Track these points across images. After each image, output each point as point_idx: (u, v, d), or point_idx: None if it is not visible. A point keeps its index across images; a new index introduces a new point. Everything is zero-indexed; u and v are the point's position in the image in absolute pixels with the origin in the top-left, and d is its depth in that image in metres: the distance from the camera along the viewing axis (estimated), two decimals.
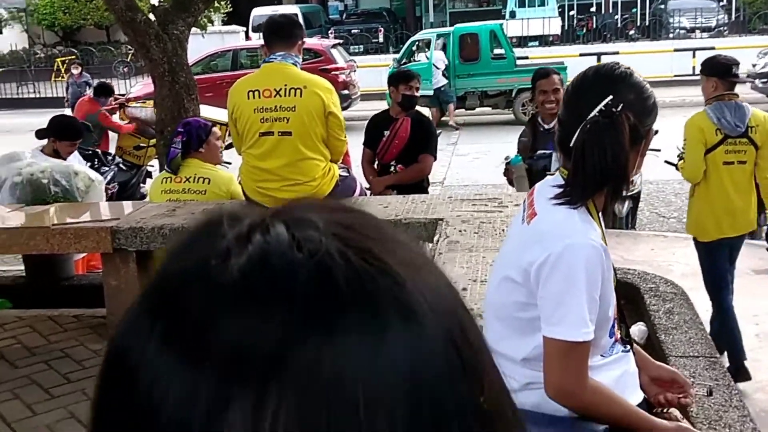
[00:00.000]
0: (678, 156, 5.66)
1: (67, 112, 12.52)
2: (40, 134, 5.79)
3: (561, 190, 1.83)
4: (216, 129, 5.09)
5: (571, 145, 1.82)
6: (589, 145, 1.79)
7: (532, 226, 1.85)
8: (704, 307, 5.47)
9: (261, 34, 4.99)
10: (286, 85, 4.31)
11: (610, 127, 1.80)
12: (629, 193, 7.79)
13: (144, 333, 0.44)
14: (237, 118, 4.46)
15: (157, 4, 7.64)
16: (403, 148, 6.00)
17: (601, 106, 1.80)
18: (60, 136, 5.67)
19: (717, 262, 5.00)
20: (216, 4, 8.22)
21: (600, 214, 1.86)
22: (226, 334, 0.42)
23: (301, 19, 25.86)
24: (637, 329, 4.13)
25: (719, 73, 4.83)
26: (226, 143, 6.95)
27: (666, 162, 6.75)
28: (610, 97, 1.81)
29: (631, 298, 4.48)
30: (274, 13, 23.76)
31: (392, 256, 0.46)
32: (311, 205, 0.49)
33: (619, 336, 1.95)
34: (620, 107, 1.81)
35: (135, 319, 0.46)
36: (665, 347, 3.71)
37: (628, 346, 1.98)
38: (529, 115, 9.48)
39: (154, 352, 0.43)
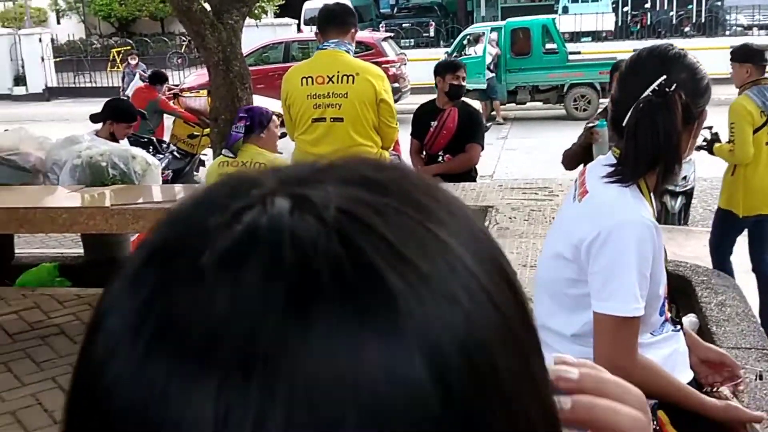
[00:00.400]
0: (711, 140, 5.88)
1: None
2: (95, 118, 5.87)
3: (613, 168, 1.85)
4: (275, 117, 5.16)
5: (624, 124, 1.83)
6: (642, 125, 1.81)
7: (583, 203, 1.87)
8: (755, 304, 5.41)
9: (312, 26, 5.04)
10: (338, 72, 4.36)
11: (663, 107, 1.81)
12: (683, 189, 7.74)
13: (122, 307, 0.40)
14: (290, 105, 4.53)
15: None
16: (450, 138, 6.01)
17: (654, 85, 1.81)
18: (117, 118, 5.75)
19: (732, 236, 5.51)
20: None
21: (652, 193, 1.88)
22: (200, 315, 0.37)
23: None
24: (688, 321, 4.10)
25: (753, 59, 5.24)
26: (280, 132, 7.10)
27: (698, 148, 6.85)
28: (664, 77, 1.82)
29: (682, 290, 4.45)
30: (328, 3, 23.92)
31: (411, 249, 0.39)
32: (336, 171, 0.43)
33: (669, 316, 1.96)
34: (673, 87, 1.82)
35: (117, 290, 0.41)
36: (716, 338, 3.68)
37: (679, 326, 1.99)
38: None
39: (128, 330, 0.39)
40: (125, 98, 9.34)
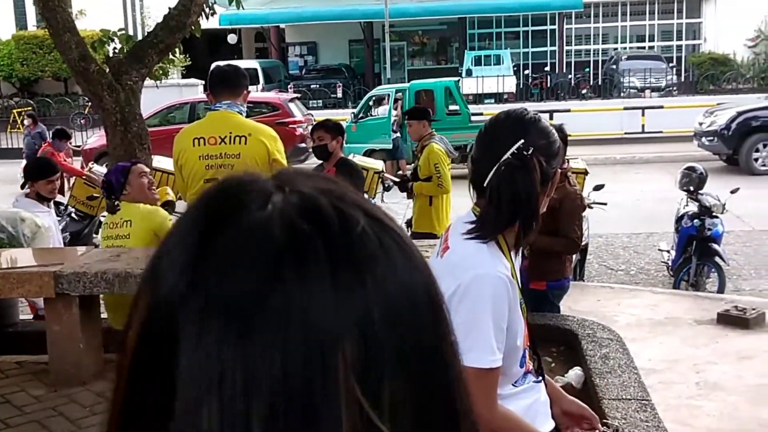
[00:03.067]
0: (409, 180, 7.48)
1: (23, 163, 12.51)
2: (22, 186, 6.02)
3: (473, 225, 1.93)
4: (139, 166, 5.17)
5: (485, 184, 1.92)
6: (504, 186, 1.90)
7: (444, 259, 1.94)
8: (646, 356, 5.59)
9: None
10: (231, 133, 4.40)
11: (522, 169, 1.91)
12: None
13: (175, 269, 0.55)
14: (182, 165, 4.52)
15: (111, 54, 7.70)
16: None
17: (513, 149, 1.91)
18: (34, 176, 5.88)
19: None
20: (171, 57, 8.29)
21: (512, 250, 1.96)
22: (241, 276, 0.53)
23: (261, 75, 26.23)
24: (574, 374, 4.22)
25: (426, 116, 7.39)
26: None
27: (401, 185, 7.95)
28: (522, 141, 1.92)
29: (569, 344, 4.59)
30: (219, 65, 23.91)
31: (395, 226, 0.59)
32: (311, 176, 0.60)
33: (530, 367, 2.03)
34: (531, 150, 1.92)
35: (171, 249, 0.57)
36: (600, 390, 3.80)
37: (540, 378, 2.06)
38: None
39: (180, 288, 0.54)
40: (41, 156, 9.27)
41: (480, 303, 1.82)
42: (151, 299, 0.56)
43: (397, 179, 8.50)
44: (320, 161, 6.31)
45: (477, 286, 1.83)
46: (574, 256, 8.01)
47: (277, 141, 4.53)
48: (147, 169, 5.24)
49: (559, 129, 5.19)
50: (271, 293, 0.52)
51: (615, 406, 3.58)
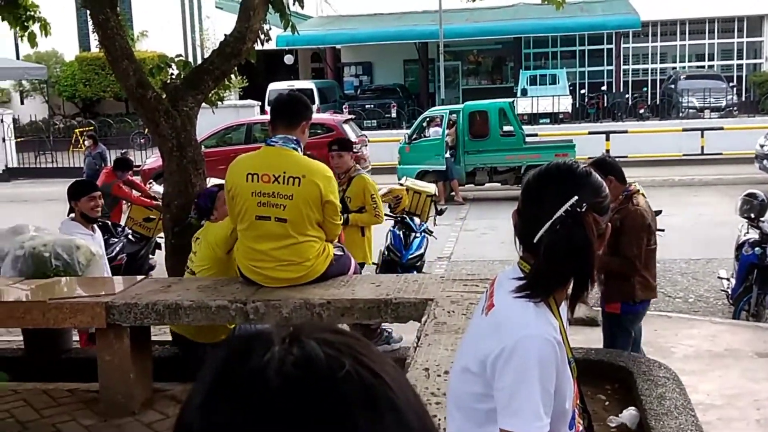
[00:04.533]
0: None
1: None
2: (70, 211, 6.15)
3: (521, 282, 1.87)
4: (222, 193, 5.28)
5: (536, 240, 1.86)
6: (559, 244, 1.83)
7: (489, 317, 1.88)
8: (705, 390, 5.44)
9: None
10: (285, 173, 4.35)
11: (578, 227, 1.84)
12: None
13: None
14: (234, 197, 4.52)
15: (168, 81, 7.81)
16: None
17: (567, 206, 1.85)
18: (75, 196, 5.99)
19: None
20: (226, 83, 8.39)
21: (560, 308, 1.90)
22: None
23: (316, 95, 26.49)
24: (629, 414, 4.11)
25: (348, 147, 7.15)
26: None
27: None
28: (576, 197, 1.86)
29: (624, 382, 4.47)
30: (289, 88, 24.11)
31: (387, 373, 0.68)
32: (324, 328, 0.71)
33: (581, 428, 1.96)
34: (584, 207, 1.86)
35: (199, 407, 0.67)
36: None
37: None
38: None
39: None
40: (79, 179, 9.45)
41: (526, 366, 1.76)
42: (179, 423, 0.68)
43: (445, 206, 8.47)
44: None
45: (523, 349, 1.77)
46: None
47: (332, 181, 4.48)
48: None
49: (602, 162, 5.11)
50: (262, 428, 0.63)
51: None
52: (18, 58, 29.77)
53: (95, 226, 6.27)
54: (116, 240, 8.78)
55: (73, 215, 6.04)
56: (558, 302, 1.89)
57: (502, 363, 1.77)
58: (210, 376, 0.68)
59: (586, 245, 1.83)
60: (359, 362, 0.67)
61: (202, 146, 15.10)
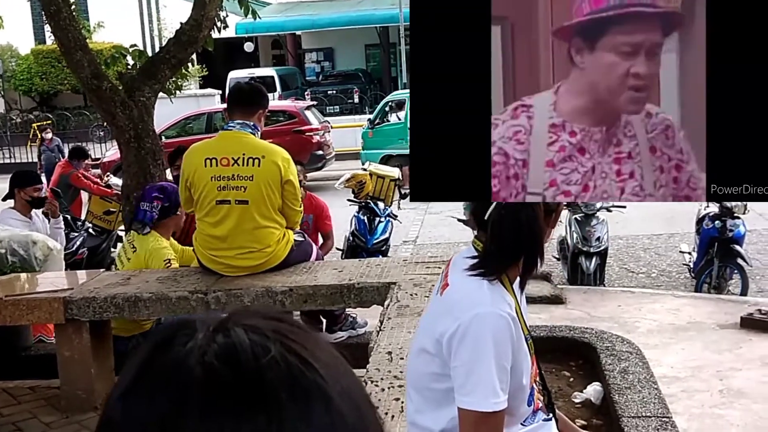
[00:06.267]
0: None
1: (43, 177, 12.60)
2: (5, 198, 6.05)
3: (474, 261, 1.86)
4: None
5: (486, 218, 1.85)
6: (506, 221, 1.82)
7: (444, 296, 1.87)
8: (668, 363, 5.49)
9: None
10: (244, 155, 4.33)
11: (525, 203, 1.83)
12: (597, 250, 7.89)
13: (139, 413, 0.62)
14: (192, 183, 4.48)
15: (124, 71, 7.70)
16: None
17: None
18: (20, 184, 5.92)
19: None
20: (184, 71, 8.28)
21: (514, 285, 1.89)
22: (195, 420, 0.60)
23: (277, 82, 26.28)
24: (593, 389, 4.13)
25: None
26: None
27: None
28: None
29: (588, 358, 4.50)
30: (250, 76, 23.82)
31: (318, 359, 0.64)
32: (257, 314, 0.68)
33: (540, 404, 1.96)
34: None
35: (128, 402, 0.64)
36: (619, 407, 3.71)
37: (551, 414, 1.99)
38: None
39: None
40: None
41: (481, 344, 1.74)
42: (102, 416, 0.66)
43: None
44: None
45: (477, 326, 1.76)
46: (593, 261, 7.97)
47: (291, 163, 4.46)
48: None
49: None
50: (182, 420, 0.60)
51: (635, 424, 3.49)
52: None
53: (35, 213, 6.26)
54: (77, 234, 8.67)
55: (12, 206, 6.07)
56: (511, 280, 1.88)
57: (457, 341, 1.76)
58: (132, 368, 0.66)
59: (532, 221, 1.83)
60: (287, 348, 0.64)
61: (163, 137, 15.01)
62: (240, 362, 0.62)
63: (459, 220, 8.49)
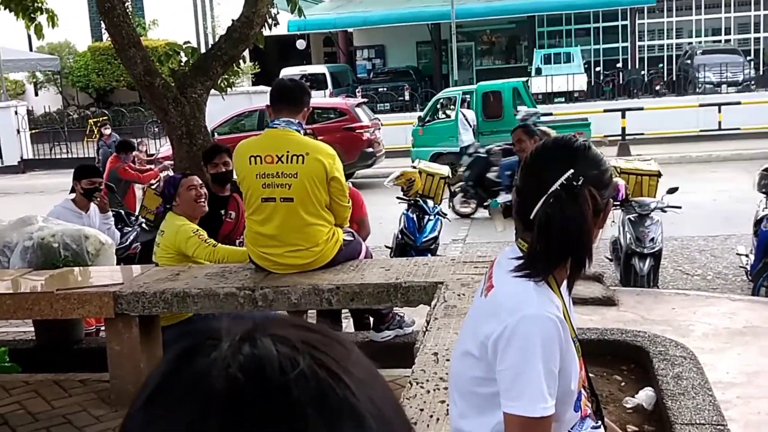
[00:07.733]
0: None
1: None
2: (71, 190, 6.40)
3: (520, 262, 1.80)
4: (190, 179, 5.16)
5: (532, 217, 1.79)
6: (553, 220, 1.77)
7: (489, 298, 1.82)
8: (724, 368, 5.35)
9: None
10: (288, 152, 4.31)
11: (572, 202, 1.78)
12: (651, 251, 7.73)
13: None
14: (241, 181, 4.52)
15: (177, 68, 7.77)
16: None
17: (562, 180, 1.78)
18: (77, 176, 6.29)
19: None
20: (235, 68, 8.33)
21: (562, 287, 1.83)
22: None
23: (329, 79, 26.37)
24: (645, 395, 4.04)
25: None
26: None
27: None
28: (571, 171, 1.79)
29: (640, 362, 4.40)
30: (302, 73, 23.92)
31: (351, 374, 0.61)
32: (287, 323, 0.65)
33: (588, 411, 1.90)
34: (581, 181, 1.79)
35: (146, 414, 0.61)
36: (671, 414, 3.62)
37: (600, 422, 1.93)
38: None
39: None
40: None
41: (529, 346, 1.69)
42: (122, 426, 0.63)
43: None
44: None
45: (525, 329, 1.70)
46: (646, 262, 7.81)
47: (336, 159, 4.42)
48: (198, 182, 5.22)
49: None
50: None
51: (688, 431, 3.40)
52: (31, 49, 29.87)
53: (93, 205, 6.39)
54: (130, 229, 8.77)
55: (73, 198, 6.31)
56: (559, 281, 1.83)
57: (504, 344, 1.71)
58: (155, 378, 0.63)
59: (580, 220, 1.77)
60: (317, 361, 0.60)
61: (215, 133, 15.14)
62: (266, 376, 0.59)
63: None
